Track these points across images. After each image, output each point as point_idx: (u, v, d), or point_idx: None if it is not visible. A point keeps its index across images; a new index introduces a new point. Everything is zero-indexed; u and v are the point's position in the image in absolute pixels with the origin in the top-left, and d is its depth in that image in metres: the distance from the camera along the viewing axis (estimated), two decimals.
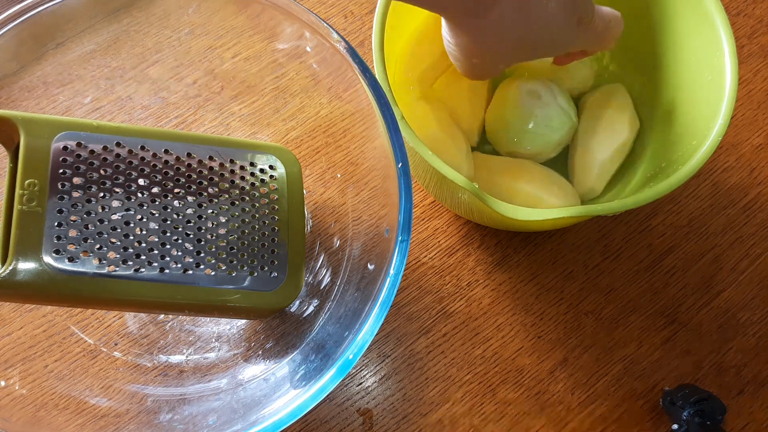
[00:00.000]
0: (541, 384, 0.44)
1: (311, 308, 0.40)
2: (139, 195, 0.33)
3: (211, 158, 0.36)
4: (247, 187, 0.37)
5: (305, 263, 0.38)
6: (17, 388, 0.36)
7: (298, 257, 0.37)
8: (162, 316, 0.41)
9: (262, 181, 0.37)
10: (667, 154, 0.42)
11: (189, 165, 0.35)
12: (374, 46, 0.37)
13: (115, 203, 0.33)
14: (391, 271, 0.30)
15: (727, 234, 0.47)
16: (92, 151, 0.33)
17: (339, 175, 0.43)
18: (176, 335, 0.41)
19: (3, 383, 0.35)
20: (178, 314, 0.40)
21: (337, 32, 0.35)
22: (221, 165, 0.36)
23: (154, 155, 0.34)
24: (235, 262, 0.35)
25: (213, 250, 0.34)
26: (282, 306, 0.36)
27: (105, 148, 0.33)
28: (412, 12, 0.45)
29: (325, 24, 0.35)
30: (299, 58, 0.40)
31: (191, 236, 0.34)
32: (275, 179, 0.38)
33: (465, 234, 0.46)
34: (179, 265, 0.33)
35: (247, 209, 0.36)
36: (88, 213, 0.32)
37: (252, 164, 0.37)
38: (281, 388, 0.34)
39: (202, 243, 0.34)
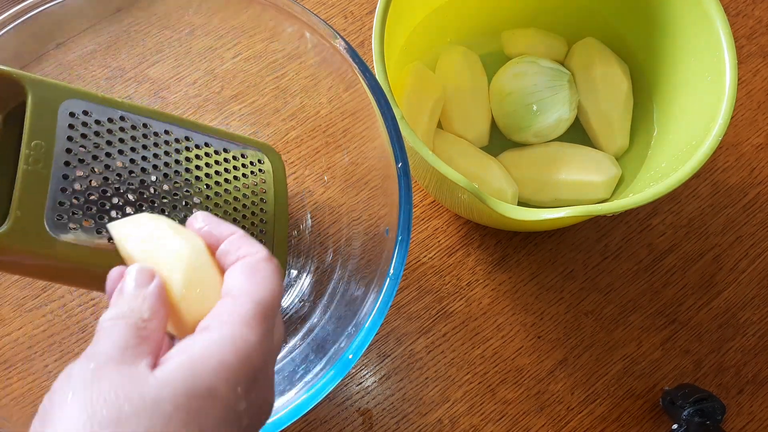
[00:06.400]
0: (541, 384, 0.44)
1: (310, 308, 0.40)
2: (142, 170, 0.33)
3: (207, 144, 0.36)
4: (239, 176, 0.37)
5: (299, 263, 0.38)
6: (17, 388, 0.36)
7: (282, 257, 0.37)
8: None
9: (252, 173, 0.38)
10: (666, 154, 0.42)
11: (187, 148, 0.35)
12: (374, 46, 0.37)
13: (116, 177, 0.32)
14: (391, 271, 0.30)
15: (727, 234, 0.47)
16: (98, 121, 0.32)
17: (339, 175, 0.43)
18: None
19: (3, 383, 0.35)
20: None
21: (337, 32, 0.35)
22: (216, 152, 0.36)
23: (156, 134, 0.34)
24: None
25: None
26: None
27: (110, 119, 0.32)
28: (411, 12, 0.45)
29: (325, 24, 0.35)
30: (299, 58, 0.40)
31: (183, 216, 0.33)
32: (263, 173, 0.38)
33: (465, 234, 0.47)
34: None
35: (236, 198, 0.36)
36: (92, 182, 0.31)
37: (243, 155, 0.38)
38: (281, 387, 0.34)
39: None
